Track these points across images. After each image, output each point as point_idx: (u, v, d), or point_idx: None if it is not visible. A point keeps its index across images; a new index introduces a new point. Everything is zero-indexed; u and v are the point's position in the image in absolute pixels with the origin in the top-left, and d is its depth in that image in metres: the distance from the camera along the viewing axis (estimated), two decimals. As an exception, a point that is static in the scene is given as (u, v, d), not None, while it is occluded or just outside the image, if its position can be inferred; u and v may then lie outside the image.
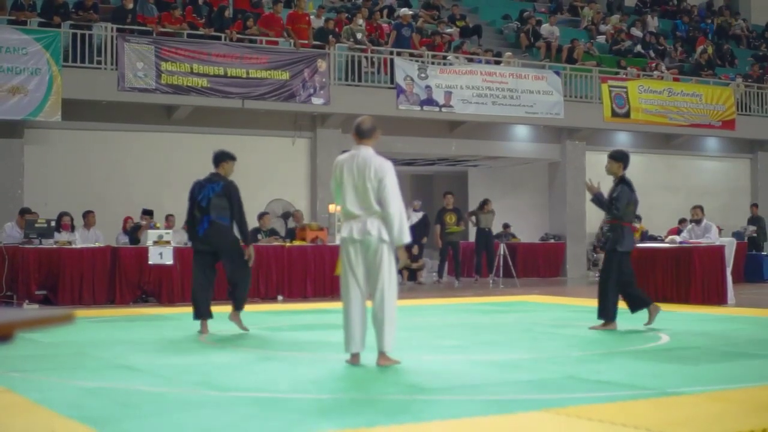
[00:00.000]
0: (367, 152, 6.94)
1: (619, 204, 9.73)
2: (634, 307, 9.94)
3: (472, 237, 21.88)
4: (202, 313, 9.35)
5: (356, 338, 6.87)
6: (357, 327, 6.86)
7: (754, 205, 22.07)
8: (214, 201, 9.30)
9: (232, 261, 9.40)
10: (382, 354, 6.87)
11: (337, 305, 9.07)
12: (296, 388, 6.07)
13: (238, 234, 9.49)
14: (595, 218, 21.90)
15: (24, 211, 14.25)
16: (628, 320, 10.02)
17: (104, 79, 16.01)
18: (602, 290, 9.80)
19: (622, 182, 9.92)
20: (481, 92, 19.39)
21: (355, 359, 6.96)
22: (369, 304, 6.98)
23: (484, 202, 19.66)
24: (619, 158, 10.05)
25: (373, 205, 6.82)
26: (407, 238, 6.84)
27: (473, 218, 19.71)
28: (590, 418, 5.02)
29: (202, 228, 9.31)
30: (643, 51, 24.46)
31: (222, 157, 9.51)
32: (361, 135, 7.01)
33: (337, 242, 15.33)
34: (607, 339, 9.06)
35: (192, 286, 9.58)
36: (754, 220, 21.58)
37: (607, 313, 9.73)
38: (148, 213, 15.15)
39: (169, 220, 15.48)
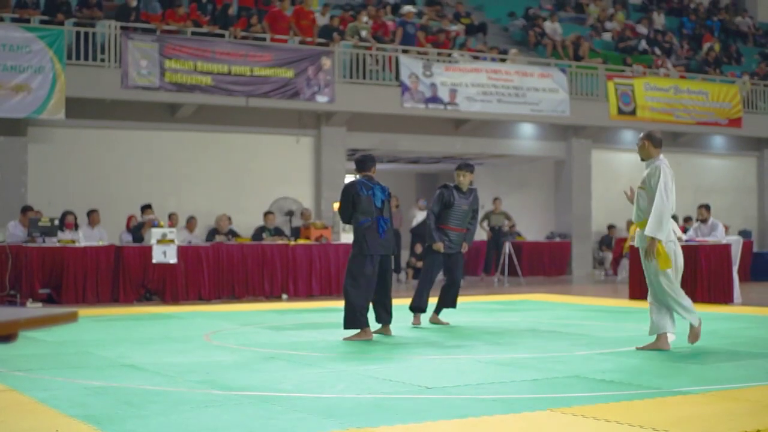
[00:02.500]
0: None
1: None
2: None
3: (478, 235, 21.88)
4: (366, 321, 8.85)
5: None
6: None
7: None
8: (385, 203, 9.02)
9: (390, 270, 9.11)
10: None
11: (341, 304, 9.06)
12: (300, 387, 6.05)
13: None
14: (602, 217, 21.92)
15: (26, 209, 14.23)
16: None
17: (108, 77, 16.00)
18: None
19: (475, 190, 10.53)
20: (486, 90, 19.35)
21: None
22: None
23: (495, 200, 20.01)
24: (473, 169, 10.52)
25: None
26: None
27: (484, 223, 19.80)
28: (596, 417, 5.00)
29: (383, 229, 8.90)
30: (647, 48, 24.36)
31: (373, 161, 9.20)
32: (659, 144, 8.06)
33: (344, 241, 15.38)
34: (612, 338, 9.03)
35: (359, 292, 8.82)
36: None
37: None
38: (147, 207, 15.09)
39: (173, 219, 15.45)
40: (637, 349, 7.92)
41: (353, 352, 8.06)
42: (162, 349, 8.19)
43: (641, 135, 8.19)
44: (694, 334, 8.04)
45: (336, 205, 16.71)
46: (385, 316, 9.17)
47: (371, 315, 9.06)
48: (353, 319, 8.83)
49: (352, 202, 8.95)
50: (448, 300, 10.44)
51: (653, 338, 7.98)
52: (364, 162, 9.18)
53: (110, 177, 16.84)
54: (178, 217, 15.61)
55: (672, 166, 25.36)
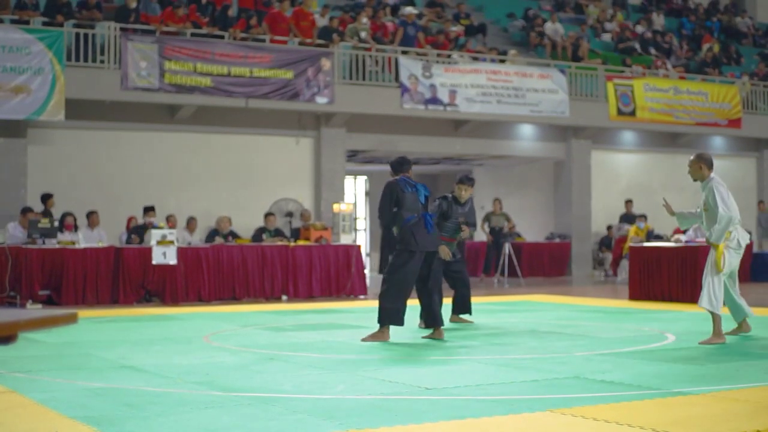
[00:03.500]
0: None
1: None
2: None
3: (478, 237, 21.87)
4: (394, 320, 8.70)
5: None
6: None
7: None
8: (428, 201, 9.02)
9: (440, 269, 9.15)
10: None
11: (341, 305, 9.05)
12: (300, 388, 6.05)
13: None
14: (601, 218, 21.92)
15: (26, 210, 14.23)
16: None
17: (107, 78, 16.00)
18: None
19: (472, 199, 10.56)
20: (485, 91, 19.35)
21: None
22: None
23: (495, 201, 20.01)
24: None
25: None
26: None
27: (484, 225, 19.81)
28: (596, 418, 5.00)
29: (430, 225, 8.85)
30: (638, 47, 24.28)
31: (409, 163, 9.15)
32: (712, 166, 8.62)
33: (343, 242, 15.40)
34: (612, 339, 9.03)
35: (395, 290, 8.62)
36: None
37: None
38: (150, 209, 15.06)
39: (171, 221, 15.39)
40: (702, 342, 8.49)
41: (353, 353, 8.06)
42: (162, 350, 8.19)
43: (693, 158, 8.67)
44: (710, 339, 8.52)
45: (336, 207, 16.72)
46: (435, 320, 9.01)
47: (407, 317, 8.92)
48: (386, 315, 8.66)
49: (396, 200, 8.80)
50: (464, 302, 10.68)
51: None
52: (400, 164, 9.11)
53: (110, 178, 16.84)
54: (176, 219, 15.58)
55: (671, 166, 25.26)
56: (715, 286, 8.39)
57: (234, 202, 17.52)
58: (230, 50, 16.94)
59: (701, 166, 8.55)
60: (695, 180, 8.66)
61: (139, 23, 16.75)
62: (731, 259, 8.48)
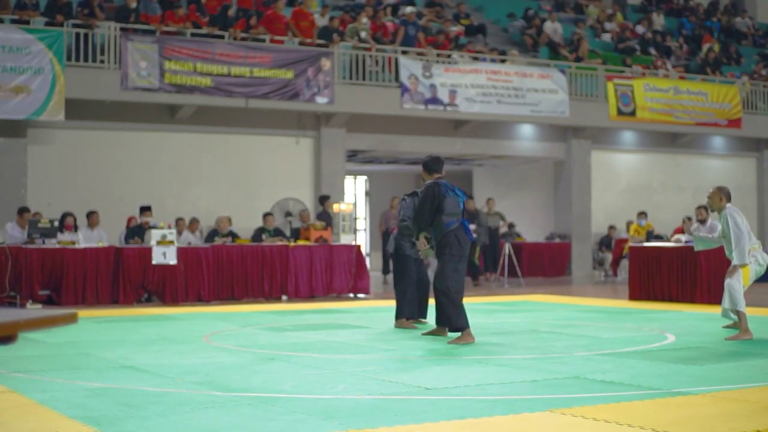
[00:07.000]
0: None
1: None
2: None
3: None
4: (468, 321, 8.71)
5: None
6: None
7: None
8: (465, 206, 8.96)
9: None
10: None
11: (341, 305, 9.05)
12: (300, 388, 6.06)
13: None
14: (601, 218, 21.91)
15: (23, 210, 14.21)
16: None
17: (107, 78, 16.00)
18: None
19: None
20: (485, 91, 19.35)
21: None
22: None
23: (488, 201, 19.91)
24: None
25: None
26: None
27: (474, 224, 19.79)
28: (596, 418, 5.01)
29: (469, 231, 8.85)
30: (638, 47, 24.27)
31: (443, 162, 9.06)
32: (730, 198, 9.14)
33: (343, 242, 15.43)
34: (612, 339, 9.03)
35: (457, 292, 8.68)
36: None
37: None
38: (147, 209, 14.97)
39: (180, 224, 15.33)
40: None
41: (353, 353, 8.06)
42: (161, 350, 8.19)
43: (715, 189, 9.23)
44: (737, 336, 8.96)
45: (336, 206, 16.71)
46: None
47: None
48: (461, 317, 8.61)
49: (438, 204, 8.69)
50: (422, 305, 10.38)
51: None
52: (436, 162, 9.00)
53: (110, 178, 16.84)
54: (185, 222, 15.51)
55: (671, 166, 25.26)
56: (734, 287, 8.86)
57: (234, 202, 17.51)
58: (230, 50, 16.94)
59: (721, 198, 9.11)
60: (712, 210, 9.33)
61: (139, 23, 16.75)
62: (751, 274, 9.13)
